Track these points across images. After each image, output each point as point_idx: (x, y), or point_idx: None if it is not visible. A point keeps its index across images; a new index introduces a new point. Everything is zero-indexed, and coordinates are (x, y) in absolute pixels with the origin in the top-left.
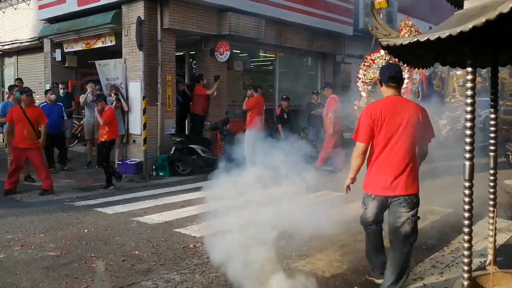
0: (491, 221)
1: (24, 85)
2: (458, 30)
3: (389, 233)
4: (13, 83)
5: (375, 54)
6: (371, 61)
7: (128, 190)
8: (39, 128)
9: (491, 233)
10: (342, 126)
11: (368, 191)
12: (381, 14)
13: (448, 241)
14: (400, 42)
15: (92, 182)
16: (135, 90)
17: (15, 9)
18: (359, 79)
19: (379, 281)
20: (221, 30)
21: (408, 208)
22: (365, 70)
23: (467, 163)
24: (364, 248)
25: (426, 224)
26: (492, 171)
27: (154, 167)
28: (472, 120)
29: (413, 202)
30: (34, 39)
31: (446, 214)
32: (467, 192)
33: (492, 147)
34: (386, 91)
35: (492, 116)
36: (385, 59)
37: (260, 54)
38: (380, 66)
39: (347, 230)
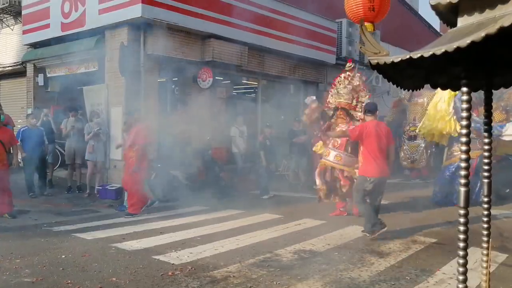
0: (484, 252)
1: (4, 109)
2: (455, 46)
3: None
4: None
5: (337, 79)
6: (332, 86)
7: (108, 216)
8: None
9: (484, 264)
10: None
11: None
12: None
13: (432, 272)
14: (391, 60)
15: (71, 207)
16: (117, 116)
17: None
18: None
19: (384, 229)
20: (204, 56)
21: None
22: (331, 96)
23: (462, 189)
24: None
25: (410, 254)
26: (486, 199)
27: None
28: (468, 143)
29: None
30: (17, 63)
31: (429, 244)
32: (462, 220)
33: (485, 173)
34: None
35: (486, 140)
36: (343, 84)
37: (243, 81)
38: (339, 91)
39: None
